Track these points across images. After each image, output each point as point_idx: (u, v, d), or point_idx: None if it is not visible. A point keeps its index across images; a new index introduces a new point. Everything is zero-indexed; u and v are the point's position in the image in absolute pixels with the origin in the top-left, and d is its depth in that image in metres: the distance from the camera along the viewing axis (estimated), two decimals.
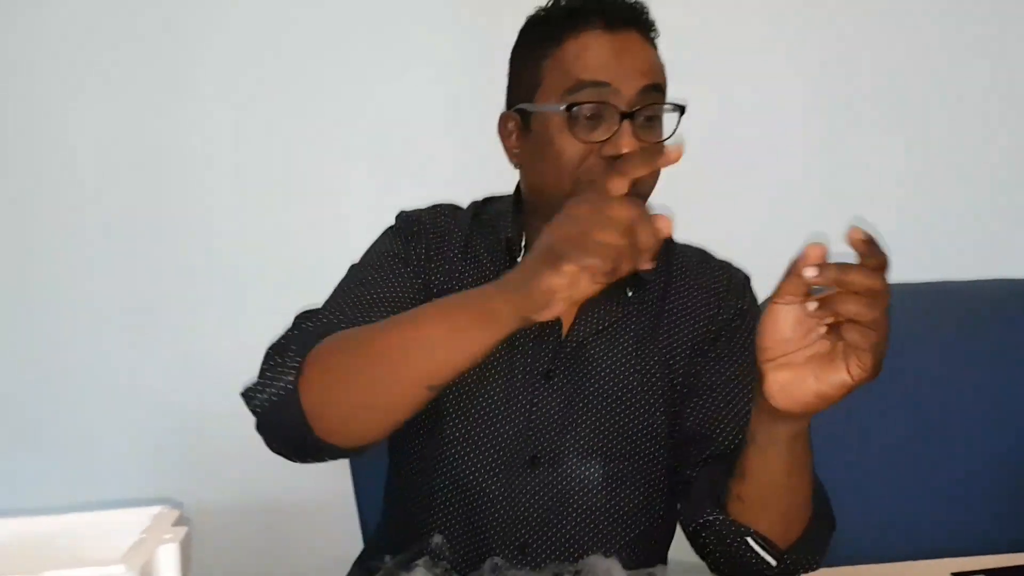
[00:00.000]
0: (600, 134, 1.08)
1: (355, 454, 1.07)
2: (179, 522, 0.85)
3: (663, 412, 1.19)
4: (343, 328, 1.03)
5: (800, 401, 0.89)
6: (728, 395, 1.18)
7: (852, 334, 0.84)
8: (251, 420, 1.78)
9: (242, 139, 1.78)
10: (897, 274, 1.68)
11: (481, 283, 1.13)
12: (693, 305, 1.23)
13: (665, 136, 1.13)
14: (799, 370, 0.88)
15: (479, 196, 1.29)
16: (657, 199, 1.60)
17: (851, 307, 0.83)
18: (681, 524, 1.16)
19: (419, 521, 1.21)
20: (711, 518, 1.07)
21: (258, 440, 1.79)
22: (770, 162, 1.88)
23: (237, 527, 1.83)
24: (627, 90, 1.08)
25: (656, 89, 1.12)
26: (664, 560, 1.28)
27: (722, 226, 1.80)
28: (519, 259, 1.16)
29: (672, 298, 1.23)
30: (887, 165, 1.90)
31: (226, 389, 1.84)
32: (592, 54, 1.10)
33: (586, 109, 1.08)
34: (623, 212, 0.82)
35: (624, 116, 1.07)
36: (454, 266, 1.21)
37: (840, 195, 1.90)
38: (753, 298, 1.27)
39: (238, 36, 1.76)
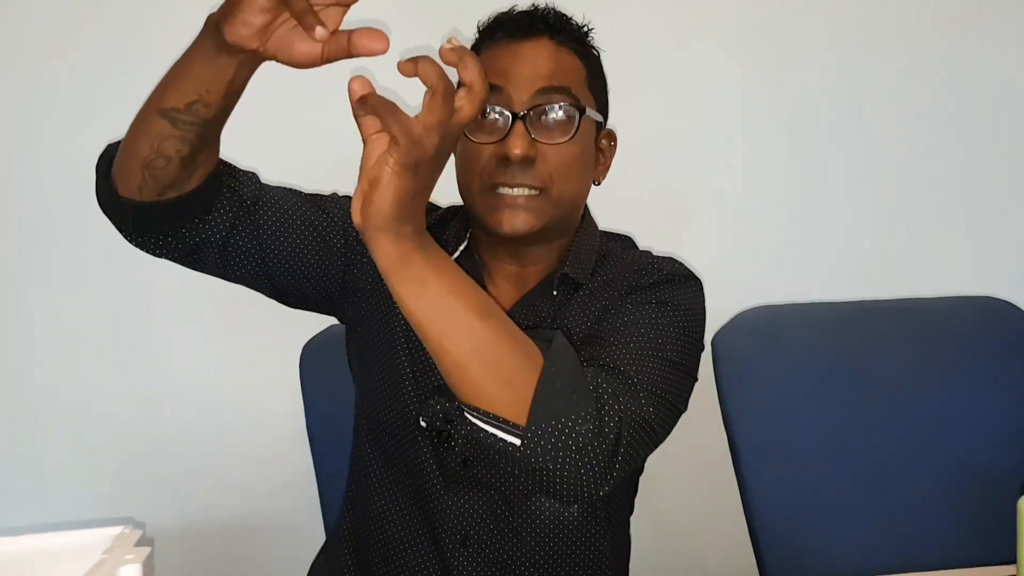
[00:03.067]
0: (494, 136, 1.12)
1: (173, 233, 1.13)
2: (141, 542, 0.84)
3: None
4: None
5: None
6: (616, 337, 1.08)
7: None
8: (212, 440, 1.78)
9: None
10: (866, 291, 1.70)
11: None
12: (609, 293, 1.19)
13: (568, 137, 1.13)
14: None
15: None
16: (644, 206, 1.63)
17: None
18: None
19: (374, 532, 1.21)
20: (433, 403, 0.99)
21: (220, 460, 1.78)
22: (740, 177, 1.90)
23: (200, 547, 1.80)
24: (519, 93, 1.11)
25: (557, 91, 1.12)
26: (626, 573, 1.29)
27: (696, 239, 1.83)
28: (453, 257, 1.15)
29: (597, 294, 1.20)
30: (857, 183, 1.92)
31: (187, 409, 1.83)
32: (491, 63, 1.14)
33: None
34: None
35: (516, 117, 1.10)
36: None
37: (805, 213, 1.91)
38: (671, 277, 1.18)
39: None
